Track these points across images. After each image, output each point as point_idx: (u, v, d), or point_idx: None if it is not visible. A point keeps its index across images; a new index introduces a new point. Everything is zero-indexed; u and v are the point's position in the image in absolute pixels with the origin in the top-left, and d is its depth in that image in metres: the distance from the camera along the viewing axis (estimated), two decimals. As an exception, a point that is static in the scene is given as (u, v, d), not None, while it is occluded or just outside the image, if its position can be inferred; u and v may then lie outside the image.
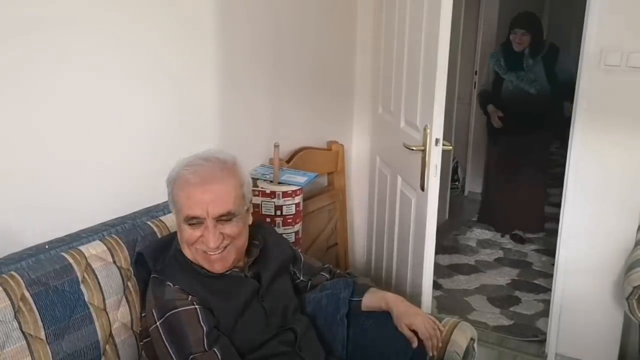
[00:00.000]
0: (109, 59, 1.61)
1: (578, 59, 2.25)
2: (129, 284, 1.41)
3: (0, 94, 1.36)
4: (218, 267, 1.39)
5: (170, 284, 1.34)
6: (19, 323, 1.17)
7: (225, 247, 1.37)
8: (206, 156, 1.40)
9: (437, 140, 1.95)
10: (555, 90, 3.46)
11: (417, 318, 1.52)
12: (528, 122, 3.48)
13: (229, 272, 1.43)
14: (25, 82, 1.41)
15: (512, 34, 3.47)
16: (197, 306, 1.33)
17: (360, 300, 1.60)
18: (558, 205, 2.50)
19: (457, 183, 4.95)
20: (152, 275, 1.39)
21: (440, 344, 1.54)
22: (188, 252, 1.39)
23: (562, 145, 4.42)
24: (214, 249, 1.35)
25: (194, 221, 1.34)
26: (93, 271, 1.33)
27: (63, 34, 1.47)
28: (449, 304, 3.01)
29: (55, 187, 1.51)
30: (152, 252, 1.41)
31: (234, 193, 1.36)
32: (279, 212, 2.08)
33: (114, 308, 1.37)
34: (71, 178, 1.55)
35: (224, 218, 1.35)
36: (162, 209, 1.59)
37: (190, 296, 1.34)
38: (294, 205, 2.10)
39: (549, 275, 2.96)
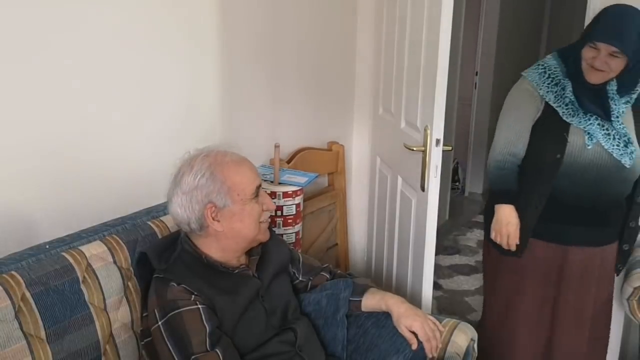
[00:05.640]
0: (110, 61, 1.61)
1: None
2: (129, 284, 1.41)
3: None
4: (267, 235, 1.51)
5: (175, 284, 1.34)
6: (20, 323, 1.17)
7: None
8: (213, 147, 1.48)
9: (437, 141, 1.95)
10: None
11: (416, 320, 1.52)
12: (606, 223, 1.87)
13: (237, 270, 1.44)
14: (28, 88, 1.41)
15: (589, 46, 1.71)
16: (200, 306, 1.32)
17: (360, 301, 1.60)
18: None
19: (457, 183, 4.96)
20: (155, 275, 1.39)
21: (439, 346, 1.55)
22: (253, 231, 1.44)
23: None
24: (274, 209, 1.52)
25: (256, 192, 1.44)
26: (93, 271, 1.33)
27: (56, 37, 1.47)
28: (449, 304, 3.01)
29: (56, 187, 1.52)
30: (156, 252, 1.41)
31: None
32: (279, 213, 2.08)
33: (114, 308, 1.37)
34: (71, 178, 1.55)
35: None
36: (162, 209, 1.58)
37: (193, 295, 1.34)
38: (294, 206, 2.10)
39: (549, 276, 2.96)
